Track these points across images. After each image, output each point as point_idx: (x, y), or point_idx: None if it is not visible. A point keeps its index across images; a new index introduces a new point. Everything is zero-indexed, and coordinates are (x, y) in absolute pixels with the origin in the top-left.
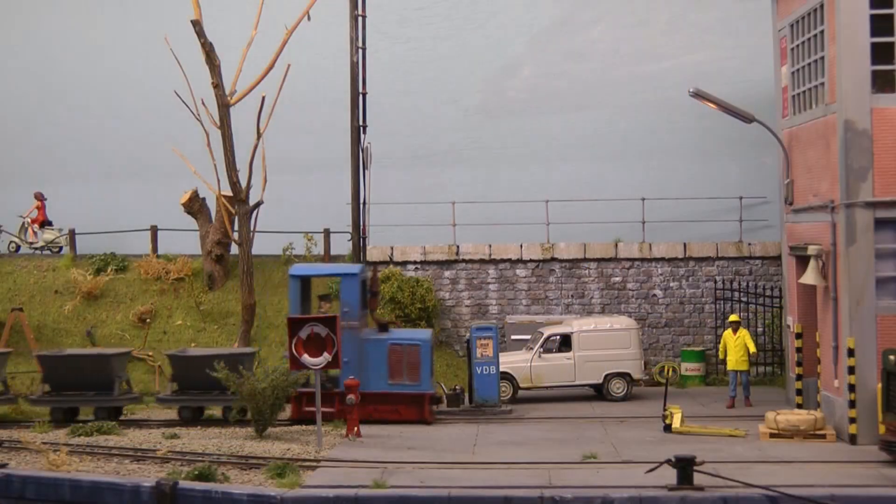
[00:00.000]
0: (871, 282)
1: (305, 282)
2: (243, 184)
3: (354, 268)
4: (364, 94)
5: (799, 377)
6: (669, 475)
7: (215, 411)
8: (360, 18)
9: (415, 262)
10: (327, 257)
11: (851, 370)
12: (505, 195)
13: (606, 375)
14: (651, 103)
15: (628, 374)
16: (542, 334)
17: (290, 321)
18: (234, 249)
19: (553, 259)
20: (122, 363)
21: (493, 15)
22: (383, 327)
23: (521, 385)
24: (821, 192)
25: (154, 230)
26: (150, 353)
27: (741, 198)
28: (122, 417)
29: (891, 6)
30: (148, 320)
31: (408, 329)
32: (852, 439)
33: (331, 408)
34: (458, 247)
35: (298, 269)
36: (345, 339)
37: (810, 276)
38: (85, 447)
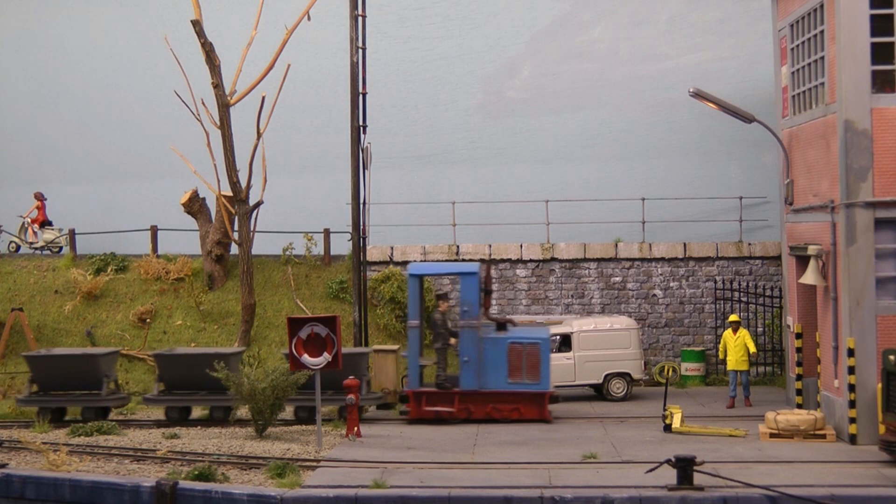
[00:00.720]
0: (871, 282)
1: (421, 280)
2: (243, 184)
3: (473, 266)
4: (364, 94)
5: (799, 377)
6: (669, 475)
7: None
8: (360, 18)
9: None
10: (327, 257)
11: (851, 370)
12: (505, 195)
13: (606, 375)
14: (651, 103)
15: (628, 374)
16: None
17: (289, 321)
18: (234, 249)
19: (553, 259)
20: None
21: (493, 15)
22: (501, 326)
23: None
24: (821, 192)
25: (154, 230)
26: (151, 354)
27: (741, 198)
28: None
29: (891, 6)
30: (148, 320)
31: (525, 327)
32: (852, 439)
33: (450, 407)
34: (458, 247)
35: (417, 267)
36: (465, 338)
37: (810, 276)
38: (85, 447)
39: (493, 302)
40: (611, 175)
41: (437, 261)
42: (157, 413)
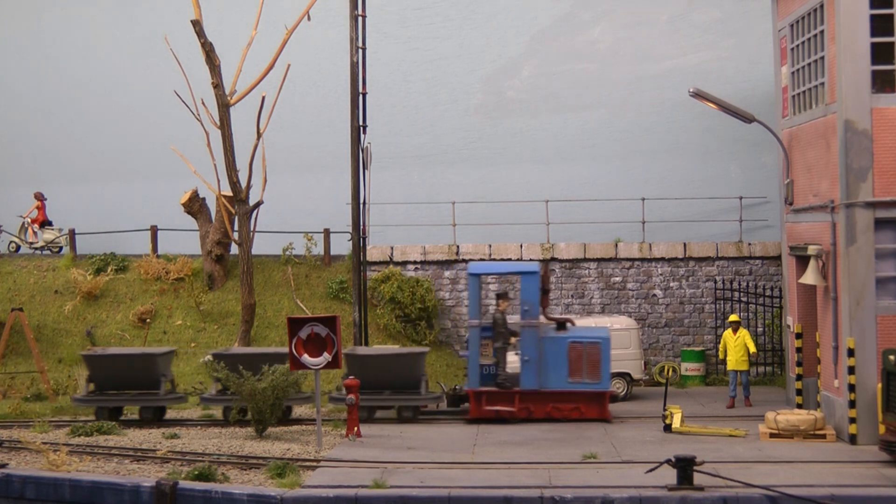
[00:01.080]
0: (871, 282)
1: (480, 280)
2: (243, 184)
3: (533, 266)
4: (364, 94)
5: (799, 377)
6: (669, 475)
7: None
8: (360, 18)
9: (415, 262)
10: (327, 257)
11: (851, 370)
12: (505, 195)
13: None
14: (651, 103)
15: (628, 374)
16: None
17: (289, 321)
18: (234, 249)
19: (553, 259)
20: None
21: (493, 15)
22: (561, 325)
23: None
24: (821, 192)
25: (154, 230)
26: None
27: (741, 198)
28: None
29: (891, 6)
30: (148, 320)
31: (585, 327)
32: (852, 439)
33: (511, 406)
34: (458, 247)
35: (476, 267)
36: (526, 338)
37: (810, 276)
38: (85, 447)
39: (493, 301)
40: (611, 175)
41: (500, 259)
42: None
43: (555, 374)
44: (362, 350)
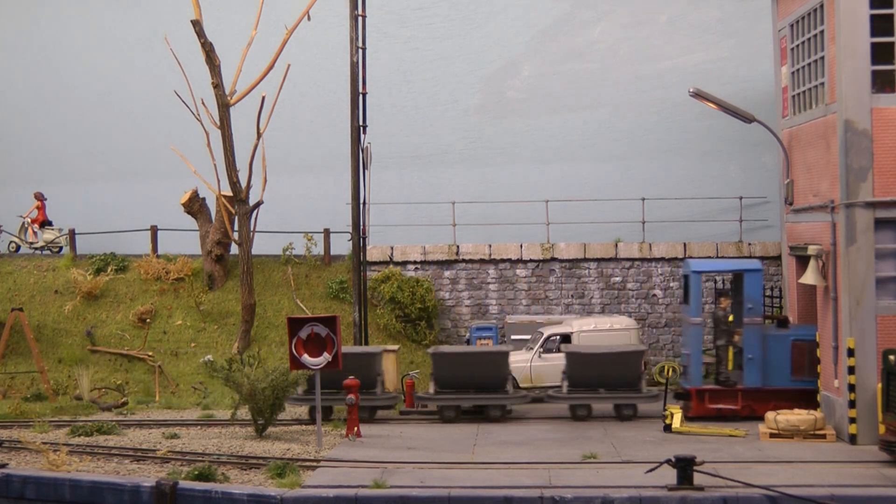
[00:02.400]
0: (871, 282)
1: (701, 277)
2: (243, 184)
3: (756, 263)
4: (364, 94)
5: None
6: (669, 475)
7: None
8: (360, 18)
9: (415, 262)
10: (327, 257)
11: (851, 370)
12: (505, 195)
13: None
14: (651, 103)
15: None
16: (542, 334)
17: (289, 321)
18: (234, 249)
19: (553, 259)
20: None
21: (493, 15)
22: (783, 323)
23: (521, 385)
24: (821, 192)
25: (154, 230)
26: (150, 354)
27: (741, 198)
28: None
29: (891, 6)
30: (148, 320)
31: (805, 325)
32: (852, 439)
33: (733, 405)
34: (458, 247)
35: (698, 264)
36: (750, 336)
37: (810, 276)
38: (85, 447)
39: (494, 302)
40: (611, 175)
41: (716, 258)
42: (167, 414)
43: (778, 372)
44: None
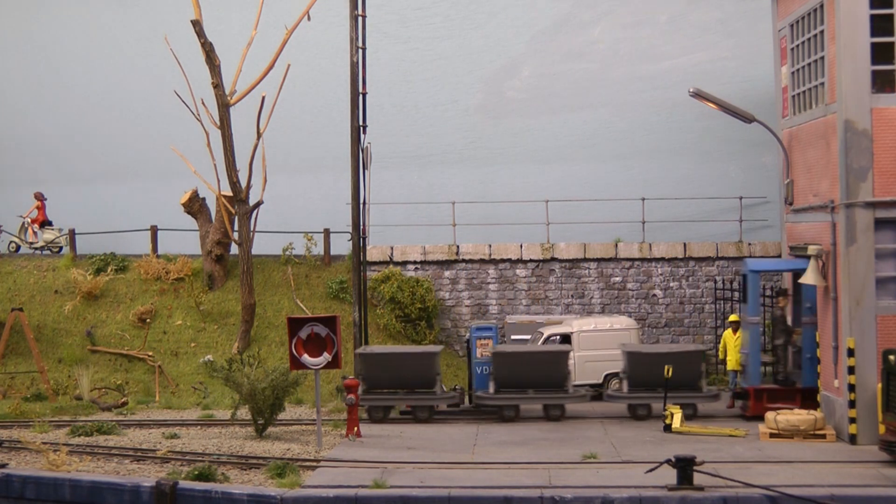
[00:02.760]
0: (871, 282)
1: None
2: (243, 184)
3: None
4: (364, 94)
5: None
6: (669, 475)
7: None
8: (360, 18)
9: (415, 262)
10: (327, 257)
11: (851, 370)
12: (505, 195)
13: (606, 375)
14: (651, 103)
15: None
16: (542, 334)
17: (289, 321)
18: (234, 249)
19: (553, 259)
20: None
21: (493, 15)
22: None
23: None
24: (821, 192)
25: (154, 230)
26: (150, 354)
27: (741, 198)
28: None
29: (891, 6)
30: (148, 320)
31: None
32: (852, 439)
33: (792, 404)
34: (458, 247)
35: (756, 264)
36: (807, 335)
37: (810, 276)
38: (85, 447)
39: (494, 302)
40: (611, 175)
41: (772, 257)
42: (167, 414)
43: None
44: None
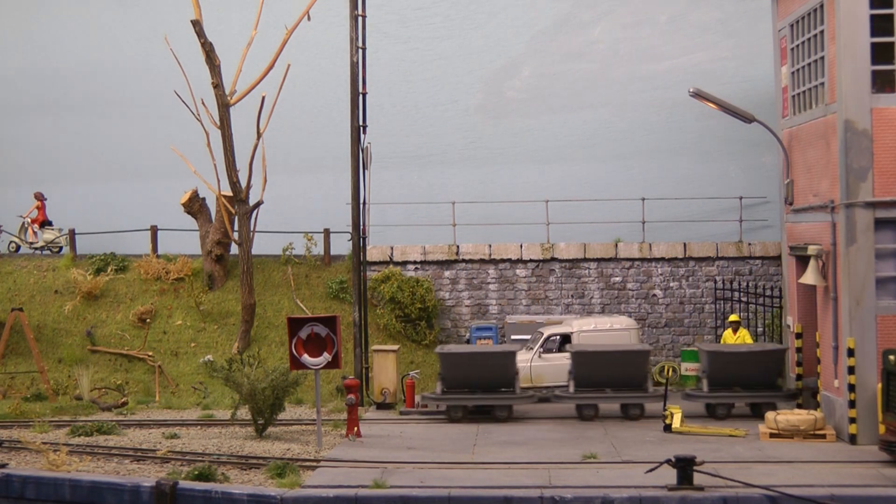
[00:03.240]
0: (871, 282)
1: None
2: (243, 184)
3: None
4: (364, 94)
5: (799, 377)
6: (669, 475)
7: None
8: (360, 18)
9: (415, 262)
10: (327, 257)
11: (851, 370)
12: (505, 195)
13: None
14: (651, 103)
15: None
16: (542, 334)
17: (289, 321)
18: (234, 249)
19: (553, 259)
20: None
21: (493, 15)
22: None
23: (521, 385)
24: (821, 192)
25: (154, 230)
26: (150, 354)
27: (741, 198)
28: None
29: (891, 6)
30: (148, 320)
31: None
32: (852, 439)
33: None
34: (458, 247)
35: None
36: None
37: (810, 276)
38: (85, 447)
39: (494, 302)
40: (611, 175)
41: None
42: (167, 414)
43: None
44: None
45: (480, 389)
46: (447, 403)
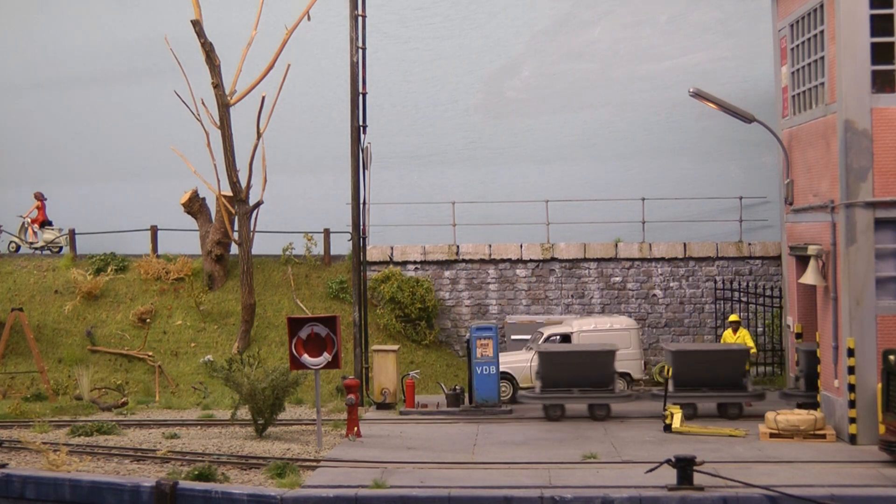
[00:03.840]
0: (871, 282)
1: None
2: (243, 184)
3: None
4: (364, 94)
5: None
6: (669, 475)
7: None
8: (360, 18)
9: (415, 262)
10: (327, 257)
11: (851, 370)
12: (505, 195)
13: None
14: (651, 103)
15: (628, 374)
16: (542, 334)
17: (289, 321)
18: (234, 249)
19: (553, 259)
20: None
21: (493, 15)
22: None
23: (521, 385)
24: (821, 192)
25: (154, 230)
26: (150, 354)
27: (741, 198)
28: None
29: (891, 6)
30: (148, 320)
31: None
32: (852, 439)
33: None
34: (458, 247)
35: None
36: None
37: (810, 276)
38: (85, 447)
39: (494, 302)
40: (611, 175)
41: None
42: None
43: None
44: None
45: (578, 388)
46: (545, 402)
